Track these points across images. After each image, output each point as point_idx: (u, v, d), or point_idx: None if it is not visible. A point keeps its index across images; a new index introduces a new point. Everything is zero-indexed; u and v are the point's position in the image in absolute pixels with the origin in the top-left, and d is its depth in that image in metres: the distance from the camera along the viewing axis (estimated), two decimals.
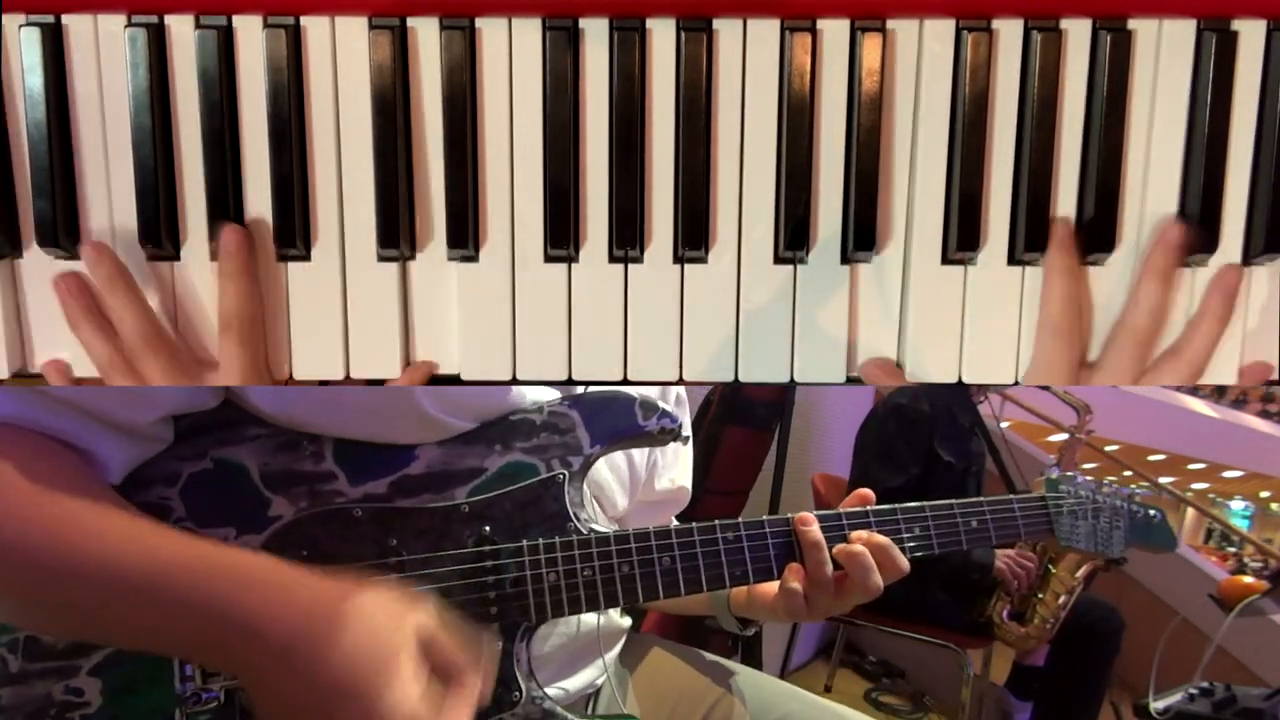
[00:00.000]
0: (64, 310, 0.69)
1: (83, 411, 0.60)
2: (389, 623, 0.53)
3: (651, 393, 0.75)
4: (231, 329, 0.68)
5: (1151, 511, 0.97)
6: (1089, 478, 0.93)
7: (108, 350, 0.68)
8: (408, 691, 0.51)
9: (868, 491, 0.77)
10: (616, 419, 0.72)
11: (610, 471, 0.83)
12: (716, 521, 0.72)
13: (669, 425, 0.73)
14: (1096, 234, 0.70)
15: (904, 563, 0.73)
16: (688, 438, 0.80)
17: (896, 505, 0.76)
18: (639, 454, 0.87)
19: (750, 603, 0.87)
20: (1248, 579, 1.95)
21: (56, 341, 0.70)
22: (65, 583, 0.53)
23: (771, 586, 0.80)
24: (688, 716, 0.89)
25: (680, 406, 0.90)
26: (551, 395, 0.73)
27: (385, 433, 0.67)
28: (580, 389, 0.74)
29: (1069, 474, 0.90)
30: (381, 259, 0.70)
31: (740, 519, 0.72)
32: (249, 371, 0.68)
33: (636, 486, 0.88)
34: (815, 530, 0.72)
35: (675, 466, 0.94)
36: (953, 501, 0.79)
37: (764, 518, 0.73)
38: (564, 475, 0.70)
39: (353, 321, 0.71)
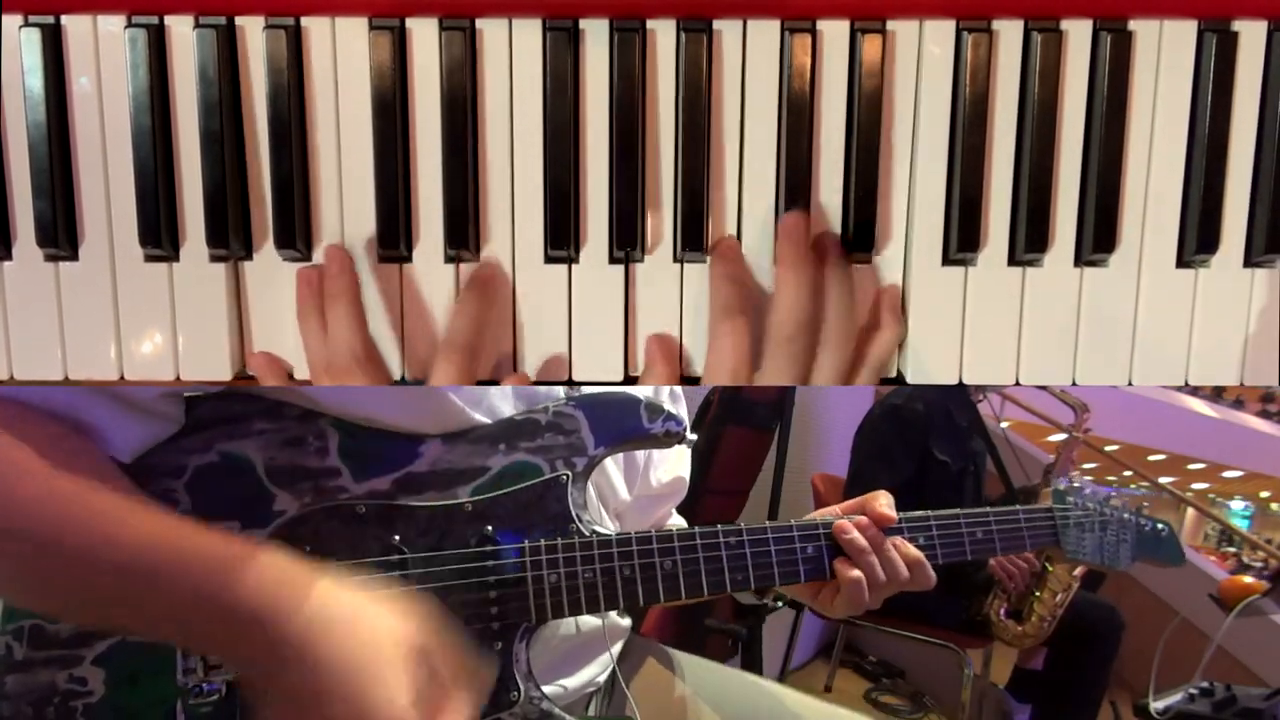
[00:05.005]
0: (297, 302, 0.68)
1: (93, 387, 0.62)
2: (385, 624, 0.54)
3: (651, 393, 0.75)
4: (452, 357, 0.66)
5: (1159, 525, 0.96)
6: (1097, 485, 0.93)
7: (324, 351, 0.66)
8: (396, 692, 0.51)
9: (885, 498, 0.76)
10: (622, 421, 0.72)
11: (613, 463, 0.83)
12: (719, 526, 0.71)
13: (674, 428, 0.73)
14: (1097, 235, 0.69)
15: (904, 572, 0.74)
16: (692, 440, 0.80)
17: (901, 515, 0.76)
18: None
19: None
20: (1248, 579, 1.95)
21: (41, 347, 0.70)
22: (55, 562, 0.54)
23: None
24: None
25: (676, 402, 0.90)
26: (558, 394, 0.73)
27: (399, 417, 0.67)
28: (585, 389, 0.74)
29: (1077, 485, 0.90)
30: (382, 259, 0.70)
31: (742, 523, 0.72)
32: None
33: (636, 478, 0.88)
34: (858, 537, 0.73)
35: (671, 458, 0.94)
36: (958, 511, 0.79)
37: (766, 523, 0.73)
38: (567, 476, 0.70)
39: None
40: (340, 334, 0.65)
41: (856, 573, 0.72)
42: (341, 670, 0.51)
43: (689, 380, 0.71)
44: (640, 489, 0.90)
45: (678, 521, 1.04)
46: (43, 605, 0.60)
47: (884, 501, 0.75)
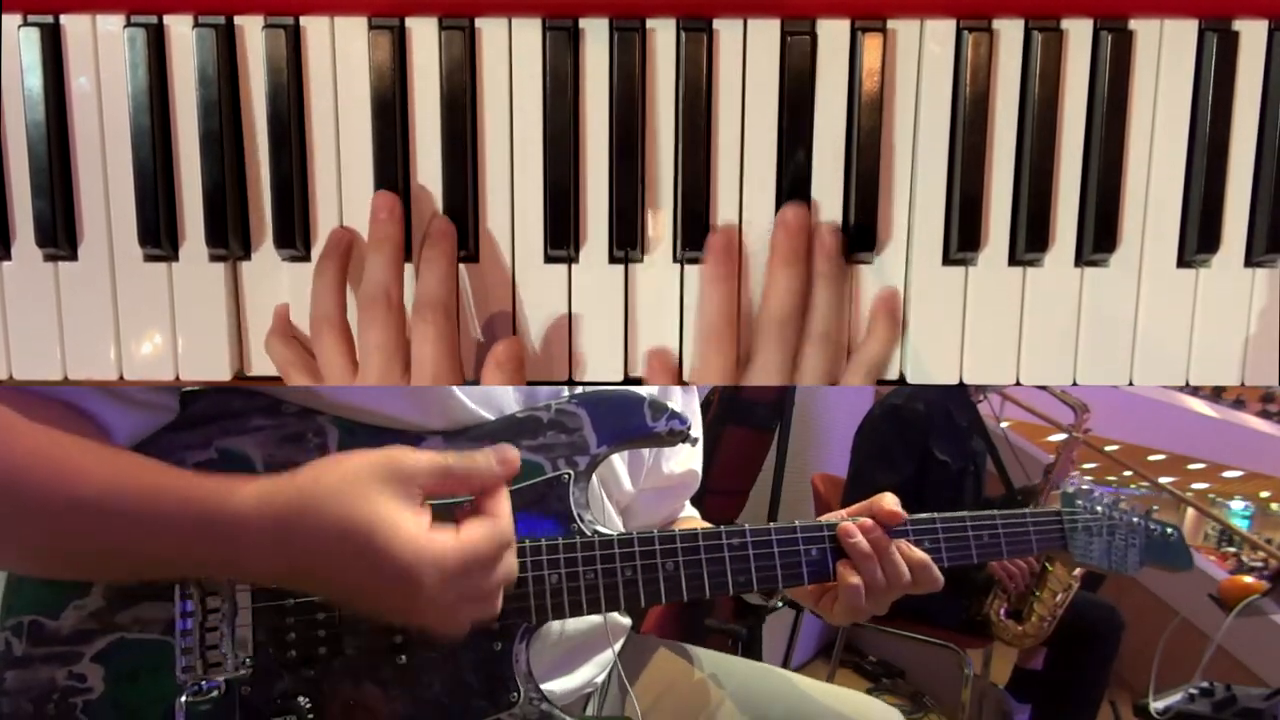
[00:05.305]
0: (323, 252, 0.67)
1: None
2: (352, 473, 0.56)
3: (658, 389, 0.75)
4: (427, 315, 0.64)
5: (1169, 529, 0.95)
6: (1105, 488, 0.92)
7: (334, 302, 0.66)
8: (405, 525, 0.54)
9: (891, 498, 0.76)
10: (625, 419, 0.72)
11: (617, 454, 0.83)
12: (722, 527, 0.71)
13: (678, 426, 0.73)
14: (1097, 235, 0.69)
15: (907, 576, 0.74)
16: (697, 439, 0.79)
17: (907, 517, 0.75)
18: None
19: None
20: (1248, 579, 1.95)
21: (41, 347, 0.70)
22: (71, 516, 0.57)
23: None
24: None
25: (689, 396, 0.89)
26: (560, 392, 0.73)
27: (402, 412, 0.67)
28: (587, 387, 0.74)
29: (1086, 488, 0.90)
30: None
31: (746, 525, 0.72)
32: (440, 360, 0.64)
33: (642, 470, 0.88)
34: (862, 541, 0.72)
35: (684, 449, 0.93)
36: (965, 514, 0.79)
37: (770, 525, 0.73)
38: (569, 475, 0.70)
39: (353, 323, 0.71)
40: (378, 275, 0.65)
41: (856, 579, 0.72)
42: (343, 533, 0.54)
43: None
44: (650, 480, 0.89)
45: (691, 513, 1.03)
46: (55, 565, 0.61)
47: (891, 501, 0.75)
